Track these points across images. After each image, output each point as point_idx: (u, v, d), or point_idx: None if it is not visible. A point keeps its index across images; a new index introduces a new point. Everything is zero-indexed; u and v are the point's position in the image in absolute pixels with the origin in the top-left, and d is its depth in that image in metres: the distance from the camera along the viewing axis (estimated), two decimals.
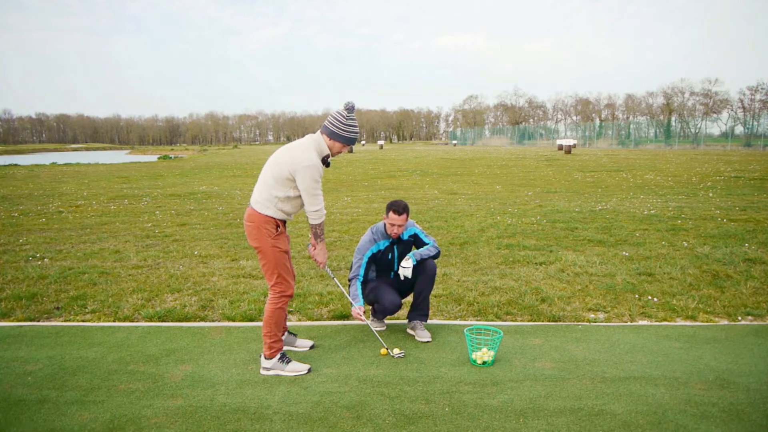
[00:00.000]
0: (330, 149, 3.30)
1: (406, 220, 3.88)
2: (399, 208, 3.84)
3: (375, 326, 4.18)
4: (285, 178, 3.19)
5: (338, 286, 3.93)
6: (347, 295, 3.93)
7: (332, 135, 3.26)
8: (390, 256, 4.03)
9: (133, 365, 3.50)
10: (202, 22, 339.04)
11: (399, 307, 3.94)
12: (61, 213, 10.60)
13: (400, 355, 3.60)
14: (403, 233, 4.02)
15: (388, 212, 3.88)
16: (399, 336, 4.01)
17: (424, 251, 3.98)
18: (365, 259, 3.96)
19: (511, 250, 6.73)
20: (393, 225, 3.87)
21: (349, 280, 4.02)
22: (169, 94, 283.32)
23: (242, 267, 6.06)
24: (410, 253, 3.99)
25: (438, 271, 5.74)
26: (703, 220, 8.51)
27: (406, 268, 3.90)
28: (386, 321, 4.34)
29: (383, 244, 4.00)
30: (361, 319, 3.75)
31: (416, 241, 4.10)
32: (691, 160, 25.70)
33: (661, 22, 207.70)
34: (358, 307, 3.79)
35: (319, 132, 3.31)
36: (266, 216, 3.24)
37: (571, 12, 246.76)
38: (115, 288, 5.25)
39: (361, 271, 3.96)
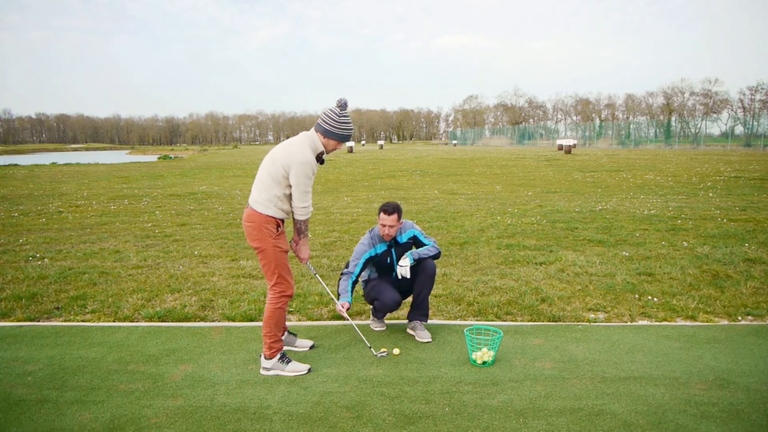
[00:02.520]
0: (324, 147, 3.30)
1: (398, 220, 3.84)
2: (389, 208, 3.81)
3: (375, 326, 4.18)
4: (281, 175, 3.19)
5: (320, 283, 3.95)
6: (329, 293, 3.92)
7: (326, 133, 3.26)
8: (389, 260, 4.03)
9: (133, 365, 3.50)
10: (203, 22, 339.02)
11: (398, 303, 3.93)
12: (61, 213, 10.60)
13: (383, 354, 3.61)
14: (401, 236, 4.00)
15: (379, 214, 3.87)
16: (399, 336, 4.01)
17: (423, 251, 3.97)
18: (362, 261, 3.96)
19: (511, 250, 6.73)
20: (384, 226, 3.84)
21: (341, 275, 3.99)
22: (169, 94, 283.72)
23: (242, 267, 6.06)
24: (408, 252, 3.98)
25: (438, 271, 5.75)
26: (703, 220, 8.51)
27: (403, 266, 3.88)
28: (388, 322, 4.34)
29: (380, 248, 3.99)
30: (344, 316, 3.73)
31: (416, 243, 4.08)
32: (691, 160, 25.70)
33: (661, 22, 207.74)
34: (343, 303, 3.75)
35: (312, 129, 3.31)
36: (267, 216, 3.23)
37: (571, 12, 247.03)
38: (115, 288, 5.25)
39: (357, 270, 3.94)
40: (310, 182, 3.22)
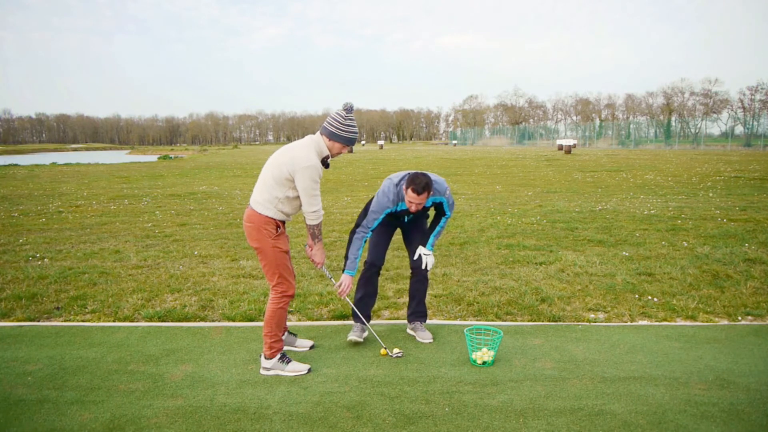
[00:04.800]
0: (329, 150, 3.30)
1: (426, 198, 3.48)
2: (419, 187, 3.40)
3: (353, 335, 3.80)
4: (284, 178, 3.19)
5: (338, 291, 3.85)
6: (349, 302, 3.72)
7: (331, 136, 3.26)
8: (405, 219, 3.83)
9: (133, 365, 3.50)
10: (204, 22, 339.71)
11: (378, 268, 3.80)
12: (61, 213, 10.60)
13: (399, 354, 3.60)
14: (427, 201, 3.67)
15: (407, 188, 3.47)
16: (399, 336, 4.01)
17: (439, 234, 3.80)
18: (382, 216, 3.65)
19: (511, 250, 6.73)
20: (411, 203, 3.50)
21: (355, 230, 3.68)
22: (169, 94, 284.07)
23: (242, 267, 6.06)
24: (429, 244, 3.79)
25: (438, 271, 5.76)
26: (703, 220, 8.50)
27: (428, 258, 3.77)
28: (387, 321, 4.34)
29: (402, 206, 3.66)
30: (344, 298, 3.56)
31: (437, 209, 3.77)
32: (691, 160, 25.70)
33: (661, 22, 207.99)
34: (347, 279, 3.56)
35: (318, 133, 3.32)
36: (266, 217, 3.24)
37: (571, 12, 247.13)
38: (115, 288, 5.25)
39: (375, 225, 3.64)
40: (317, 185, 3.22)
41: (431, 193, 3.54)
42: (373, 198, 3.71)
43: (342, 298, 3.57)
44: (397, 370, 3.39)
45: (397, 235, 4.08)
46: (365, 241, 3.69)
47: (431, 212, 3.93)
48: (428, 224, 3.94)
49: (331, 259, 6.35)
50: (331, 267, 6.01)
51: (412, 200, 3.48)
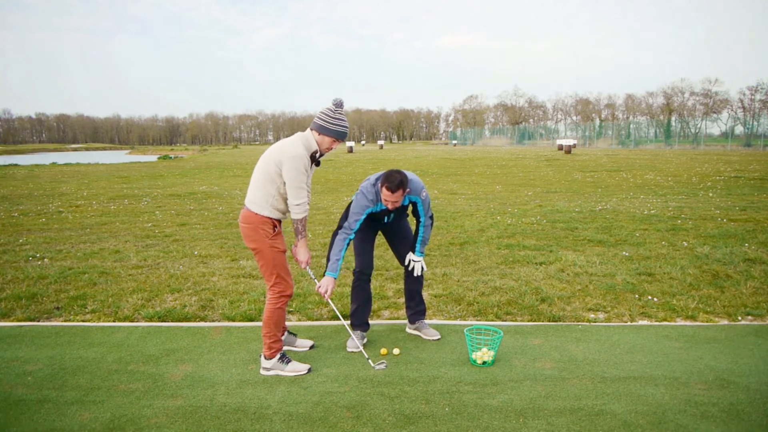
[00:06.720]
0: (319, 145, 3.29)
1: (402, 195, 3.46)
2: (393, 185, 3.39)
3: (351, 346, 3.71)
4: (274, 172, 3.19)
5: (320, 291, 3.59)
6: (334, 309, 3.67)
7: (321, 129, 3.26)
8: (386, 219, 3.80)
9: (133, 365, 3.50)
10: (204, 23, 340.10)
11: (368, 275, 3.78)
12: (61, 213, 10.60)
13: (381, 366, 3.42)
14: (405, 197, 3.65)
15: (381, 186, 3.46)
16: (399, 336, 4.00)
17: (424, 239, 3.81)
18: (364, 216, 3.61)
19: (511, 250, 6.73)
20: (387, 201, 3.49)
21: (337, 231, 3.62)
22: (169, 94, 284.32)
23: (242, 267, 6.06)
24: (417, 251, 3.83)
25: (438, 271, 5.76)
26: (703, 220, 8.50)
27: (417, 263, 3.82)
28: (387, 321, 4.34)
29: (379, 207, 3.64)
30: (326, 300, 3.47)
31: (414, 210, 3.75)
32: (691, 160, 25.70)
33: (661, 22, 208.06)
34: (329, 281, 3.45)
35: (308, 129, 3.33)
36: (263, 216, 3.24)
37: (571, 12, 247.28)
38: (115, 288, 5.25)
39: (357, 226, 3.59)
40: (303, 177, 3.19)
41: (407, 190, 3.51)
42: (352, 201, 3.71)
43: (325, 300, 3.47)
44: (397, 370, 3.39)
45: (381, 238, 4.07)
46: (348, 243, 3.62)
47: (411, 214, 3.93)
48: (411, 230, 3.96)
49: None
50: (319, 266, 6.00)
51: (387, 198, 3.47)
